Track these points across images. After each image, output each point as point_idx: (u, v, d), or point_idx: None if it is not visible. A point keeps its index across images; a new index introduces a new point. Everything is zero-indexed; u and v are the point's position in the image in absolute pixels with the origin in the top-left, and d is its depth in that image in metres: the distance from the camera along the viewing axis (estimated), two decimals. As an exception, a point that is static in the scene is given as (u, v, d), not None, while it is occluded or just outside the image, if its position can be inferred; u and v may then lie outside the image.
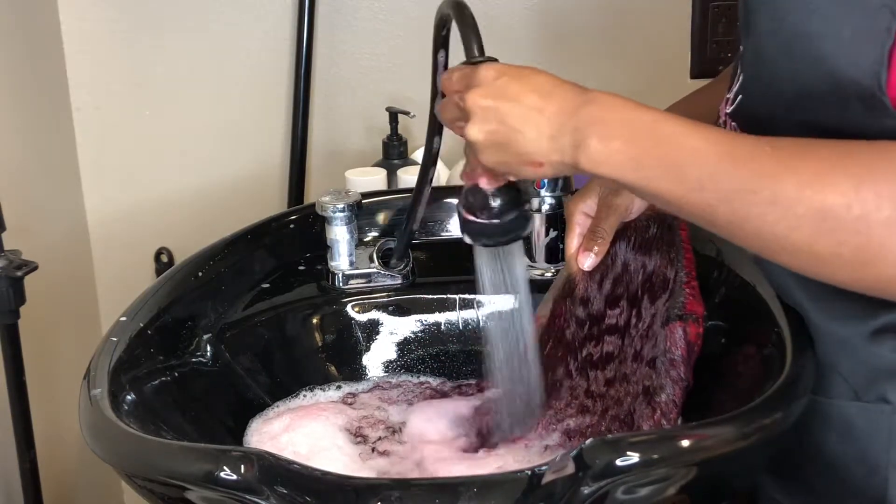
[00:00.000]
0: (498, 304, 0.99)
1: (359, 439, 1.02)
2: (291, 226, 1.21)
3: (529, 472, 0.76)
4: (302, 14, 1.71)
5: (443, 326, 1.17)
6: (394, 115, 1.63)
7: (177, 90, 1.78)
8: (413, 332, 1.16)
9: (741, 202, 0.76)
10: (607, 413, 0.96)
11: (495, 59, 0.87)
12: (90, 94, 1.78)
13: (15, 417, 1.39)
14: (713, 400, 0.96)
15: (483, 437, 1.00)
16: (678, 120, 0.80)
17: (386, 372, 1.14)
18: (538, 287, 1.14)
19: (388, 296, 1.17)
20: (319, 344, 1.14)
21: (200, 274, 1.09)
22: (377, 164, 1.63)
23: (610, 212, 1.02)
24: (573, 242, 1.04)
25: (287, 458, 0.78)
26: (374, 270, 1.16)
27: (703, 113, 0.99)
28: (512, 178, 0.88)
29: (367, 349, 1.15)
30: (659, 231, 1.03)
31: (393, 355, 1.15)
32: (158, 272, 1.83)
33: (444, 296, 1.17)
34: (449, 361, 1.15)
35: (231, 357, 1.07)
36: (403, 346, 1.16)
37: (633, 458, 0.74)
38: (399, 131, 1.64)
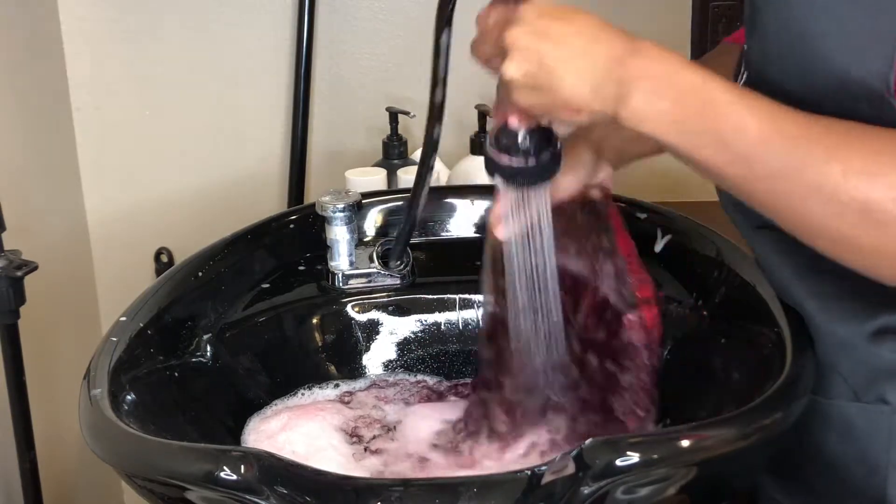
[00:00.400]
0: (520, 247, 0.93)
1: (354, 439, 1.02)
2: (291, 226, 1.21)
3: (529, 472, 0.76)
4: (302, 14, 1.71)
5: (443, 326, 1.17)
6: (394, 115, 1.63)
7: (177, 90, 1.78)
8: (413, 332, 1.16)
9: (785, 182, 0.74)
10: (582, 405, 0.95)
11: None
12: (90, 94, 1.78)
13: (15, 417, 1.39)
14: (712, 400, 0.96)
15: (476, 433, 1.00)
16: (727, 85, 0.77)
17: (385, 371, 1.14)
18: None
19: (388, 296, 1.17)
20: (319, 344, 1.14)
21: (200, 274, 1.09)
22: (377, 164, 1.63)
23: None
24: (499, 206, 0.99)
25: (287, 458, 0.78)
26: (374, 270, 1.16)
27: None
28: (542, 120, 0.84)
29: (367, 349, 1.15)
30: (587, 218, 1.00)
31: (393, 355, 1.15)
32: (158, 272, 1.83)
33: (444, 296, 1.17)
34: (449, 361, 1.15)
35: (231, 357, 1.07)
36: (403, 346, 1.16)
37: (633, 458, 0.74)
38: (399, 131, 1.64)
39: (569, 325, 0.97)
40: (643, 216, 1.17)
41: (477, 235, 1.18)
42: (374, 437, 1.03)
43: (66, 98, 1.77)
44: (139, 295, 1.04)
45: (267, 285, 1.15)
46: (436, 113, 1.00)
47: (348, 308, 1.16)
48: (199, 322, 1.06)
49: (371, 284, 1.17)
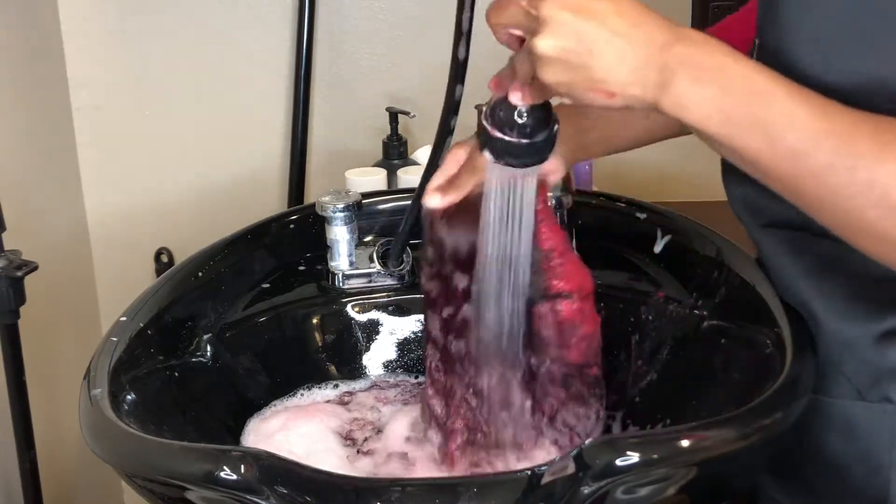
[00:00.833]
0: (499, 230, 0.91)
1: (348, 442, 1.02)
2: (291, 226, 1.21)
3: (529, 472, 0.76)
4: (302, 14, 1.71)
5: (443, 326, 1.16)
6: (394, 115, 1.63)
7: (177, 90, 1.78)
8: (413, 332, 1.16)
9: (835, 179, 0.73)
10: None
11: None
12: (90, 94, 1.78)
13: (15, 417, 1.39)
14: (713, 400, 0.96)
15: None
16: (776, 77, 0.75)
17: (385, 371, 1.14)
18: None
19: (388, 296, 1.17)
20: (319, 344, 1.14)
21: (200, 274, 1.09)
22: (377, 164, 1.63)
23: (471, 169, 0.96)
24: (436, 178, 0.98)
25: (287, 458, 0.78)
26: (374, 270, 1.16)
27: None
28: (564, 100, 0.80)
29: (367, 349, 1.15)
30: None
31: (393, 355, 1.15)
32: (158, 272, 1.83)
33: (444, 296, 1.17)
34: (449, 361, 1.15)
35: (231, 357, 1.07)
36: (403, 346, 1.16)
37: (633, 458, 0.74)
38: (399, 131, 1.64)
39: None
40: (643, 216, 1.17)
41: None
42: (367, 439, 1.03)
43: (66, 98, 1.77)
44: (139, 295, 1.04)
45: (267, 285, 1.15)
46: (458, 71, 0.93)
47: (348, 308, 1.16)
48: (199, 322, 1.06)
49: (371, 284, 1.17)
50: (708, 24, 1.67)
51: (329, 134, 1.81)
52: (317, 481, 0.77)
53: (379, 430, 1.04)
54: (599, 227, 1.20)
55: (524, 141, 0.83)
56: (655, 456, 0.75)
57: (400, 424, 1.04)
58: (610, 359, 1.09)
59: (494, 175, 0.87)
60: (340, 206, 1.14)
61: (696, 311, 1.05)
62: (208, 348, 1.05)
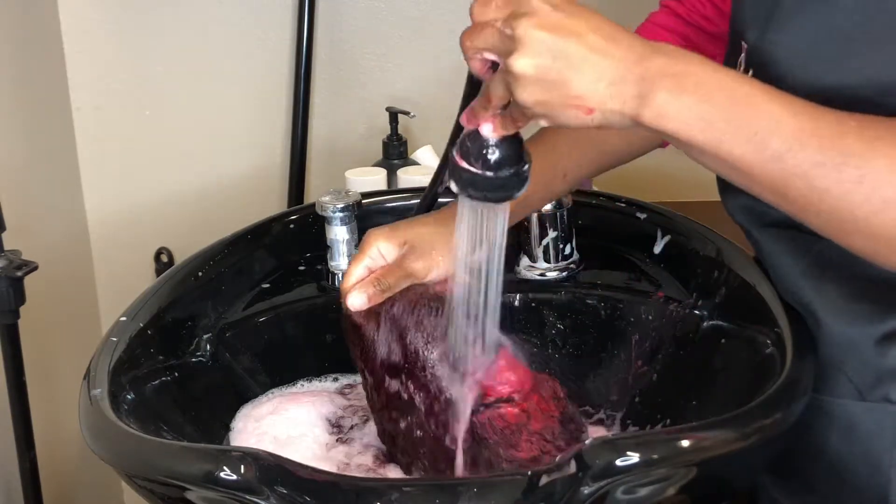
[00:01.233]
0: (469, 259, 0.90)
1: (335, 429, 1.02)
2: (291, 226, 1.21)
3: (529, 472, 0.76)
4: (302, 14, 1.71)
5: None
6: (394, 115, 1.63)
7: (177, 90, 1.78)
8: (413, 332, 1.16)
9: (823, 179, 0.72)
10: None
11: None
12: (90, 94, 1.78)
13: (15, 417, 1.39)
14: (713, 400, 0.96)
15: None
16: (755, 83, 0.75)
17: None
18: (534, 287, 1.15)
19: (388, 296, 1.17)
20: (319, 344, 1.14)
21: (200, 274, 1.09)
22: (377, 164, 1.63)
23: (401, 272, 0.96)
24: (355, 272, 0.97)
25: (287, 458, 0.78)
26: (374, 270, 1.16)
27: None
28: (541, 122, 0.78)
29: (367, 349, 1.15)
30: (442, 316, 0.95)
31: (393, 355, 1.15)
32: (158, 272, 1.83)
33: (444, 295, 1.17)
34: (449, 361, 1.15)
35: (231, 357, 1.07)
36: (403, 346, 1.16)
37: (633, 458, 0.74)
38: (399, 131, 1.64)
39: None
40: (643, 216, 1.17)
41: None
42: (352, 427, 1.03)
43: (66, 98, 1.77)
44: (139, 295, 1.04)
45: (267, 285, 1.15)
46: (467, 102, 0.89)
47: (348, 308, 1.16)
48: (199, 322, 1.07)
49: (371, 284, 1.16)
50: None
51: (329, 134, 1.81)
52: (317, 481, 0.77)
53: (367, 420, 1.04)
54: (599, 227, 1.20)
55: (489, 174, 0.81)
56: (655, 456, 0.75)
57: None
58: (610, 359, 1.09)
59: (463, 204, 0.86)
60: (340, 206, 1.14)
61: (696, 311, 1.05)
62: (208, 348, 1.06)
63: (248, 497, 0.75)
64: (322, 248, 1.17)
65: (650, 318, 1.08)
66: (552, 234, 1.15)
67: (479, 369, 0.92)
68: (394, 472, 0.97)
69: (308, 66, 1.74)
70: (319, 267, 1.18)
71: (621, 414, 1.05)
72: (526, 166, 0.82)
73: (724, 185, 0.95)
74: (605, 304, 1.12)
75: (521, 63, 0.75)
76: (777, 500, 0.97)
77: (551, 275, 1.16)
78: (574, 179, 1.08)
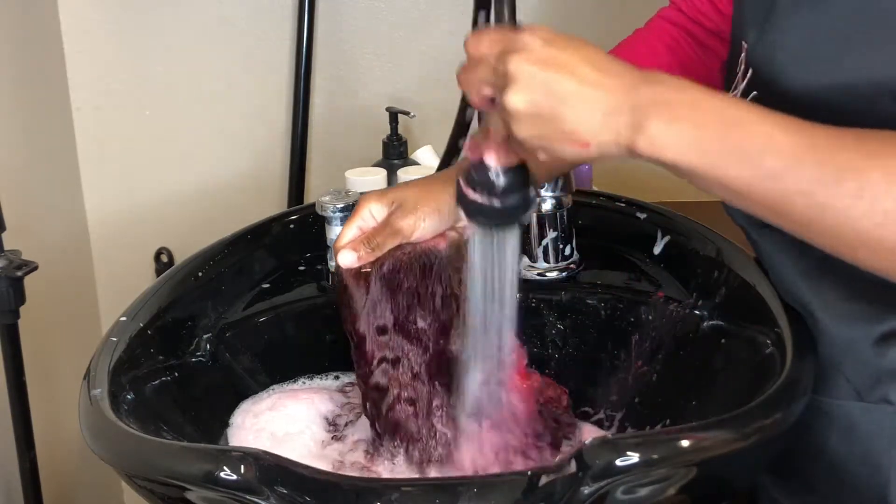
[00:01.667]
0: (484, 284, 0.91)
1: (331, 427, 1.02)
2: (291, 226, 1.21)
3: (529, 472, 0.76)
4: (302, 14, 1.71)
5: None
6: (394, 115, 1.63)
7: (177, 90, 1.78)
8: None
9: (822, 194, 0.72)
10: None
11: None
12: (90, 94, 1.78)
13: (15, 417, 1.39)
14: (713, 400, 0.96)
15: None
16: (748, 104, 0.76)
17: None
18: (534, 287, 1.15)
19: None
20: (320, 344, 1.14)
21: (200, 274, 1.09)
22: (377, 164, 1.63)
23: (389, 230, 0.98)
24: (347, 233, 0.99)
25: (287, 458, 0.78)
26: (374, 270, 1.16)
27: None
28: (539, 156, 0.79)
29: (367, 349, 1.15)
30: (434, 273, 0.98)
31: (393, 355, 1.15)
32: (158, 272, 1.83)
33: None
34: (449, 361, 1.15)
35: (231, 357, 1.07)
36: (403, 345, 1.16)
37: (633, 458, 0.74)
38: (399, 131, 1.64)
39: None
40: (643, 216, 1.17)
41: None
42: (347, 424, 1.03)
43: (66, 98, 1.77)
44: (139, 295, 1.04)
45: (267, 285, 1.15)
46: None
47: (348, 308, 1.16)
48: (199, 322, 1.07)
49: (371, 284, 1.16)
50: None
51: (329, 134, 1.81)
52: (317, 481, 0.77)
53: (361, 415, 1.04)
54: (599, 227, 1.20)
55: (496, 203, 0.83)
56: (655, 456, 0.75)
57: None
58: (610, 359, 1.09)
59: (474, 230, 0.87)
60: (340, 206, 1.14)
61: (696, 311, 1.05)
62: (208, 348, 1.06)
63: (248, 497, 0.75)
64: (322, 248, 1.17)
65: (650, 318, 1.08)
66: (552, 234, 1.15)
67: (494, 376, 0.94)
68: (385, 467, 0.97)
69: (308, 66, 1.73)
70: (319, 267, 1.18)
71: (621, 414, 1.05)
72: (532, 191, 0.84)
73: None
74: (605, 304, 1.12)
75: (514, 99, 0.75)
76: (777, 500, 0.97)
77: (551, 275, 1.16)
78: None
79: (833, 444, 0.90)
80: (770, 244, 0.93)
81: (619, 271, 1.16)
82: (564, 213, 1.15)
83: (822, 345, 0.89)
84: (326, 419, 1.03)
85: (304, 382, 1.09)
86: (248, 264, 1.15)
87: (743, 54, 0.90)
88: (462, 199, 0.85)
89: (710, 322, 1.03)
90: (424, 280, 0.97)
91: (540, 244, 1.15)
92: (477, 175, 0.83)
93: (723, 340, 1.01)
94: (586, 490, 0.74)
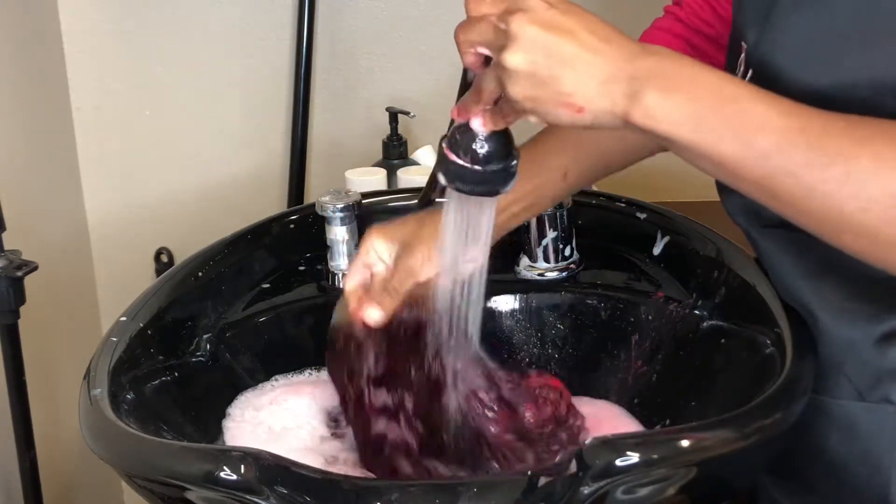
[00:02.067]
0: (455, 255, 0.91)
1: (332, 423, 1.02)
2: (291, 226, 1.21)
3: (529, 472, 0.76)
4: (302, 14, 1.71)
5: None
6: (394, 115, 1.63)
7: (177, 90, 1.78)
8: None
9: (810, 177, 0.72)
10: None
11: None
12: (90, 94, 1.78)
13: (15, 417, 1.39)
14: (713, 400, 0.96)
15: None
16: (744, 82, 0.76)
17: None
18: (534, 287, 1.15)
19: (388, 296, 1.17)
20: (320, 344, 1.14)
21: (200, 274, 1.09)
22: (377, 164, 1.63)
23: (402, 272, 0.97)
24: (355, 274, 0.99)
25: (287, 458, 0.78)
26: (374, 270, 1.16)
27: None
28: (531, 119, 0.79)
29: (367, 349, 1.15)
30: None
31: (393, 355, 1.15)
32: (158, 272, 1.83)
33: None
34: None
35: (231, 357, 1.07)
36: (403, 345, 1.16)
37: (633, 458, 0.74)
38: (399, 131, 1.64)
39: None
40: (643, 216, 1.17)
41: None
42: (349, 423, 1.03)
43: (66, 98, 1.77)
44: (139, 295, 1.04)
45: (267, 285, 1.15)
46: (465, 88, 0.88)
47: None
48: (199, 322, 1.07)
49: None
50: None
51: (329, 134, 1.81)
52: (317, 481, 0.77)
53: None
54: (599, 227, 1.20)
55: (477, 168, 0.82)
56: (655, 456, 0.75)
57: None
58: (610, 359, 1.09)
59: (451, 197, 0.87)
60: (340, 205, 1.14)
61: (696, 311, 1.05)
62: (208, 348, 1.06)
63: (248, 497, 0.75)
64: (322, 248, 1.17)
65: (650, 318, 1.08)
66: (552, 234, 1.15)
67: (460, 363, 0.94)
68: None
69: (308, 66, 1.73)
70: (319, 267, 1.18)
71: (621, 414, 1.05)
72: (514, 162, 0.83)
73: (724, 186, 0.95)
74: (605, 304, 1.12)
75: (513, 58, 0.75)
76: (777, 500, 0.97)
77: (551, 275, 1.16)
78: (574, 181, 1.09)
79: (834, 444, 0.90)
80: (770, 244, 0.93)
81: (619, 271, 1.16)
82: (564, 213, 1.15)
83: (823, 344, 0.89)
84: (329, 414, 1.03)
85: (310, 374, 1.09)
86: (248, 264, 1.15)
87: (742, 55, 0.90)
88: (442, 162, 0.83)
89: (710, 322, 1.03)
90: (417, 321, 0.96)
91: (540, 244, 1.15)
92: (461, 138, 0.82)
93: (723, 340, 1.01)
94: (586, 490, 0.74)
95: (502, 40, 0.76)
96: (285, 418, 1.01)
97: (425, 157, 1.61)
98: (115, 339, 0.97)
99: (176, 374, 1.01)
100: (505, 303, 1.14)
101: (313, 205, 1.16)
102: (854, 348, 0.87)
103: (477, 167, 0.82)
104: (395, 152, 1.63)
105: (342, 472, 0.94)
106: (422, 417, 0.94)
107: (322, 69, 1.77)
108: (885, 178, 0.71)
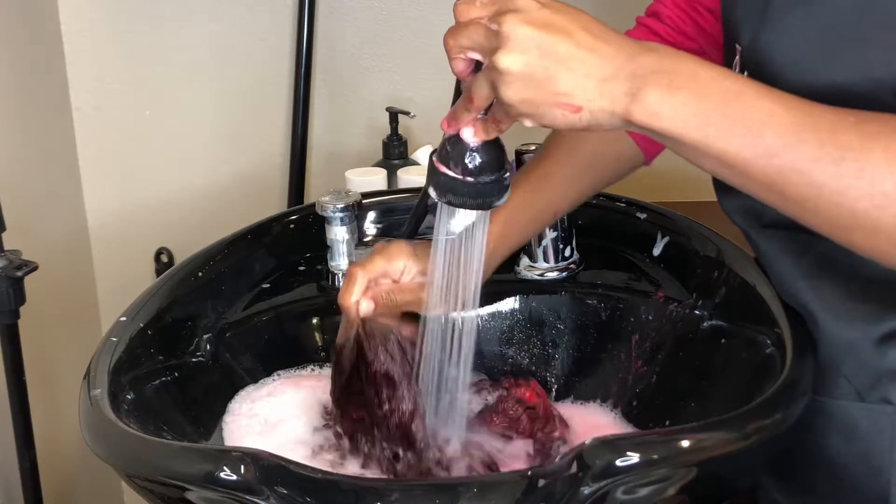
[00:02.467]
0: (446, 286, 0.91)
1: (329, 415, 1.02)
2: (291, 226, 1.21)
3: (529, 472, 0.76)
4: (302, 14, 1.71)
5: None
6: (394, 115, 1.63)
7: (177, 91, 1.78)
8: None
9: (821, 173, 0.71)
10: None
11: None
12: (90, 94, 1.78)
13: (15, 417, 1.39)
14: (713, 400, 0.96)
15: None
16: (748, 79, 0.75)
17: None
18: (534, 287, 1.15)
19: (388, 296, 1.17)
20: (319, 344, 1.14)
21: (200, 274, 1.09)
22: (377, 164, 1.63)
23: (411, 295, 0.97)
24: (359, 283, 0.97)
25: (287, 458, 0.78)
26: (374, 270, 1.16)
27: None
28: (525, 123, 0.77)
29: (367, 349, 1.15)
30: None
31: (393, 355, 1.15)
32: (158, 272, 1.83)
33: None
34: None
35: (231, 357, 1.07)
36: (403, 345, 1.16)
37: (633, 458, 0.74)
38: (399, 131, 1.64)
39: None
40: (643, 216, 1.17)
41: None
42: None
43: (66, 98, 1.77)
44: (139, 295, 1.04)
45: (267, 285, 1.15)
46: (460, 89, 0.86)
47: (348, 308, 1.16)
48: (199, 322, 1.07)
49: (371, 284, 1.16)
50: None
51: (329, 134, 1.81)
52: (317, 481, 0.77)
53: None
54: (599, 227, 1.20)
55: (469, 179, 0.80)
56: (655, 456, 0.75)
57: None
58: (610, 359, 1.09)
59: (442, 211, 0.85)
60: (340, 206, 1.14)
61: (696, 311, 1.05)
62: (208, 348, 1.06)
63: (248, 497, 0.75)
64: (322, 248, 1.17)
65: (650, 318, 1.08)
66: (552, 234, 1.15)
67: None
68: (354, 465, 0.97)
69: (308, 66, 1.74)
70: (319, 267, 1.18)
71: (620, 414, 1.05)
72: (507, 174, 0.81)
73: (722, 187, 0.95)
74: (605, 305, 1.12)
75: (507, 60, 0.74)
76: (777, 500, 0.97)
77: (551, 275, 1.16)
78: (562, 213, 1.10)
79: (833, 445, 0.90)
80: (769, 244, 0.93)
81: (619, 271, 1.16)
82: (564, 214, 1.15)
83: (822, 345, 0.89)
84: (325, 407, 1.03)
85: (313, 369, 1.09)
86: (248, 264, 1.15)
87: (737, 57, 0.90)
88: (433, 175, 0.81)
89: (710, 322, 1.03)
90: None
91: (540, 244, 1.15)
92: (451, 149, 0.80)
93: (723, 340, 1.00)
94: (586, 490, 0.74)
95: (494, 42, 0.74)
96: (280, 410, 1.01)
97: (425, 157, 1.61)
98: (115, 339, 0.97)
99: (176, 374, 1.01)
100: (505, 303, 1.14)
101: (313, 205, 1.16)
102: (853, 349, 0.87)
103: (469, 179, 0.80)
104: (395, 152, 1.63)
105: (327, 460, 0.94)
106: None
107: (322, 69, 1.77)
108: None
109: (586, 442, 0.76)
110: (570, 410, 1.04)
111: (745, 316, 0.98)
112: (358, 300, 0.97)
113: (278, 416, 1.00)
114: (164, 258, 1.84)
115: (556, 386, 1.09)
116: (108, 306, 1.86)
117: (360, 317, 0.96)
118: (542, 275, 1.16)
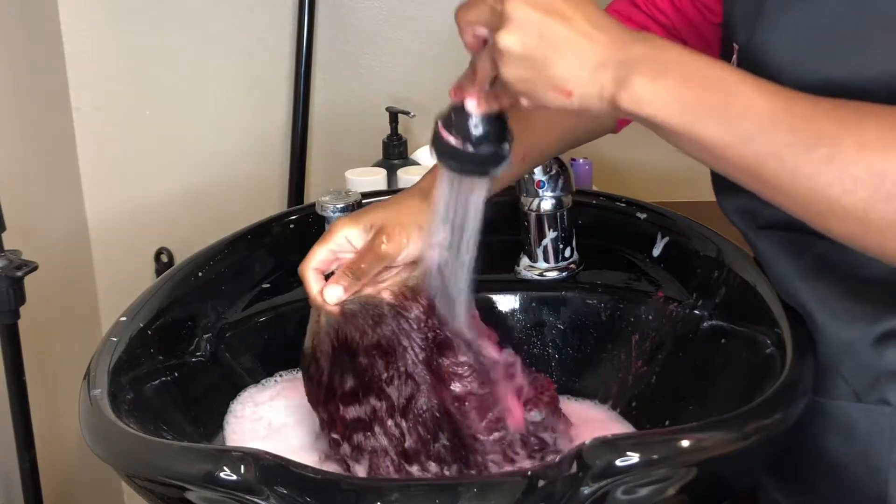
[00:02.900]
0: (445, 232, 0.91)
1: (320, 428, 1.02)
2: (291, 226, 1.21)
3: (529, 473, 0.76)
4: (302, 14, 1.71)
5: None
6: (394, 115, 1.63)
7: (177, 90, 1.79)
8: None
9: (794, 159, 0.72)
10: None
11: None
12: (90, 94, 1.78)
13: (15, 417, 1.39)
14: (713, 400, 0.96)
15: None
16: (730, 67, 0.77)
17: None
18: (534, 287, 1.15)
19: (388, 296, 1.17)
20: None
21: (200, 274, 1.09)
22: (377, 164, 1.63)
23: (372, 255, 0.95)
24: (317, 254, 0.97)
25: (287, 458, 0.78)
26: (374, 270, 1.16)
27: None
28: (522, 101, 0.80)
29: (367, 349, 1.15)
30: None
31: (393, 355, 1.15)
32: (158, 272, 1.84)
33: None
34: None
35: (231, 357, 1.07)
36: (403, 346, 1.16)
37: (633, 458, 0.74)
38: (399, 131, 1.64)
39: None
40: (643, 216, 1.17)
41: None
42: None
43: (66, 98, 1.77)
44: (139, 295, 1.04)
45: (267, 285, 1.15)
46: None
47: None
48: (199, 322, 1.06)
49: (371, 284, 1.16)
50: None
51: (329, 134, 1.81)
52: (317, 481, 0.77)
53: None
54: (599, 227, 1.20)
55: (469, 148, 0.83)
56: (655, 456, 0.75)
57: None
58: (610, 359, 1.09)
59: (443, 176, 0.87)
60: (340, 206, 1.14)
61: (696, 311, 1.05)
62: (208, 348, 1.06)
63: (248, 497, 0.75)
64: (322, 248, 1.16)
65: (650, 318, 1.08)
66: (552, 234, 1.15)
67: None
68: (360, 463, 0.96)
69: (308, 66, 1.74)
70: (319, 267, 1.18)
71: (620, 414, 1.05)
72: (507, 145, 0.84)
73: (721, 187, 0.95)
74: (605, 305, 1.12)
75: (507, 39, 0.76)
76: (777, 500, 0.97)
77: (551, 275, 1.16)
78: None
79: (832, 445, 0.90)
80: (767, 245, 0.93)
81: (619, 271, 1.16)
82: (564, 213, 1.15)
83: (821, 345, 0.89)
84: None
85: None
86: (248, 264, 1.15)
87: (735, 56, 0.90)
88: (436, 140, 0.84)
89: (710, 322, 1.03)
90: (376, 332, 0.95)
91: (540, 244, 1.15)
92: (455, 117, 0.83)
93: (723, 341, 1.00)
94: (586, 490, 0.74)
95: (498, 21, 0.77)
96: (285, 414, 1.01)
97: (425, 157, 1.61)
98: (115, 339, 0.97)
99: (176, 373, 1.01)
100: (505, 303, 1.14)
101: (313, 205, 1.16)
102: (851, 349, 0.87)
103: (469, 148, 0.83)
104: (395, 152, 1.63)
105: (335, 468, 0.94)
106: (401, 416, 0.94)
107: (322, 69, 1.77)
108: (869, 159, 0.71)
109: (586, 442, 0.76)
110: (570, 410, 1.04)
111: (745, 316, 0.98)
112: (316, 270, 0.97)
113: (282, 421, 1.00)
114: (164, 258, 1.84)
115: (556, 386, 1.09)
116: (108, 306, 1.86)
117: (326, 304, 0.96)
118: (541, 275, 1.16)
